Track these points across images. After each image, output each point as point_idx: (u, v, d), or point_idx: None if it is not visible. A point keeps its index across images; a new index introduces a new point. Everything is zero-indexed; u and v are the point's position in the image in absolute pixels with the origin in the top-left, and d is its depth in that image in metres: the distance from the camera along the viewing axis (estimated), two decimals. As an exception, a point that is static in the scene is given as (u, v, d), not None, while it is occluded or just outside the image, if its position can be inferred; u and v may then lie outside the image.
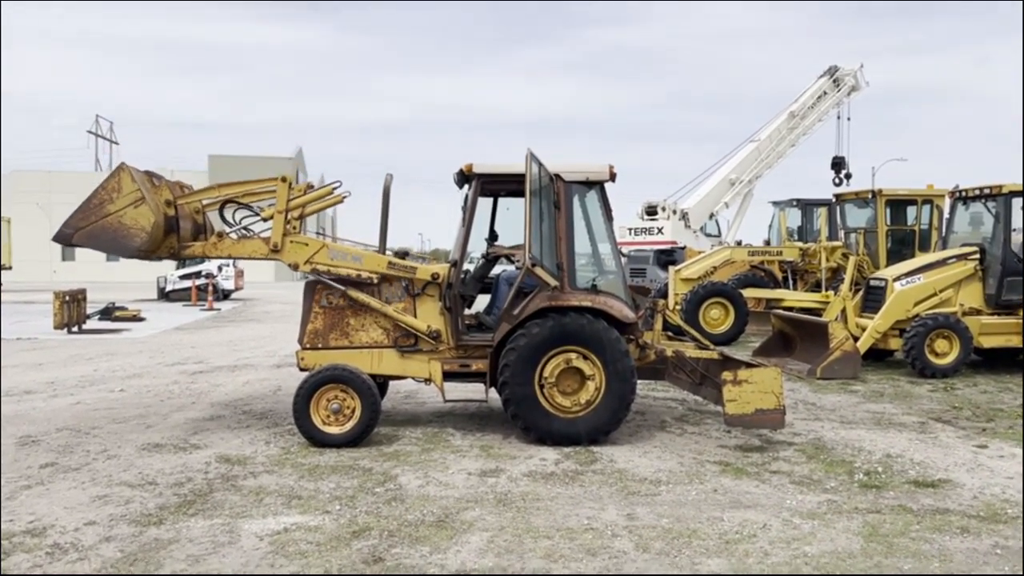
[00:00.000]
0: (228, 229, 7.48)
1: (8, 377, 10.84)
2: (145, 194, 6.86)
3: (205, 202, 7.63)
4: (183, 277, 28.98)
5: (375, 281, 7.44)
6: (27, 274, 42.84)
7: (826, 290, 15.43)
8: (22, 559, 4.51)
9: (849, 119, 26.22)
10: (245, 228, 7.52)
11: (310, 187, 7.61)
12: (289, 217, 7.33)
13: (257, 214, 7.48)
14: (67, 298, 16.65)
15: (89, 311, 18.05)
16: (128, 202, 6.81)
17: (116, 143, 66.95)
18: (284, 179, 7.34)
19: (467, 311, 8.03)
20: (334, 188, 7.59)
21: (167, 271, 32.04)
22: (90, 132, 63.93)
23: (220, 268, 29.54)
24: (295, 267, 7.38)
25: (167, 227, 7.16)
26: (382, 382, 8.01)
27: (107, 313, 19.32)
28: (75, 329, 16.84)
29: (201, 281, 27.47)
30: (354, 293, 7.38)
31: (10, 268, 36.50)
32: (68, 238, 6.89)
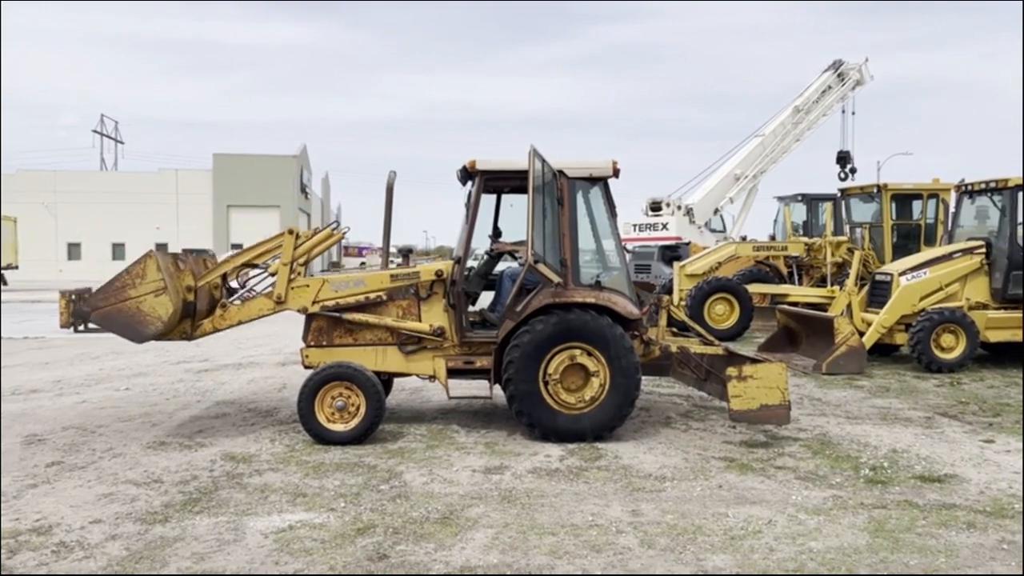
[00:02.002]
0: (230, 299, 7.60)
1: (15, 376, 10.88)
2: (168, 283, 6.91)
3: (226, 271, 7.69)
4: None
5: (384, 299, 7.47)
6: (33, 273, 42.93)
7: (831, 285, 15.39)
8: (28, 557, 4.53)
9: (854, 113, 26.10)
10: (249, 290, 7.66)
11: (316, 231, 7.73)
12: (294, 266, 7.42)
13: (264, 270, 7.61)
14: (73, 297, 16.62)
15: (95, 310, 18.08)
16: (150, 290, 6.90)
17: (121, 142, 67.10)
18: (291, 231, 7.45)
19: (471, 308, 8.03)
20: (333, 229, 7.77)
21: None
22: (95, 131, 64.13)
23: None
24: (304, 311, 7.42)
25: (184, 313, 7.23)
26: (387, 379, 8.01)
27: (113, 312, 19.32)
28: (81, 328, 16.84)
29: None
30: (352, 316, 7.40)
31: (17, 267, 36.70)
32: (86, 316, 7.03)
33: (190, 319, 7.35)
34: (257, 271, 7.71)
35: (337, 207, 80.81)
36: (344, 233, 7.89)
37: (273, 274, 7.49)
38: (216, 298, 7.73)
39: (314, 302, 7.41)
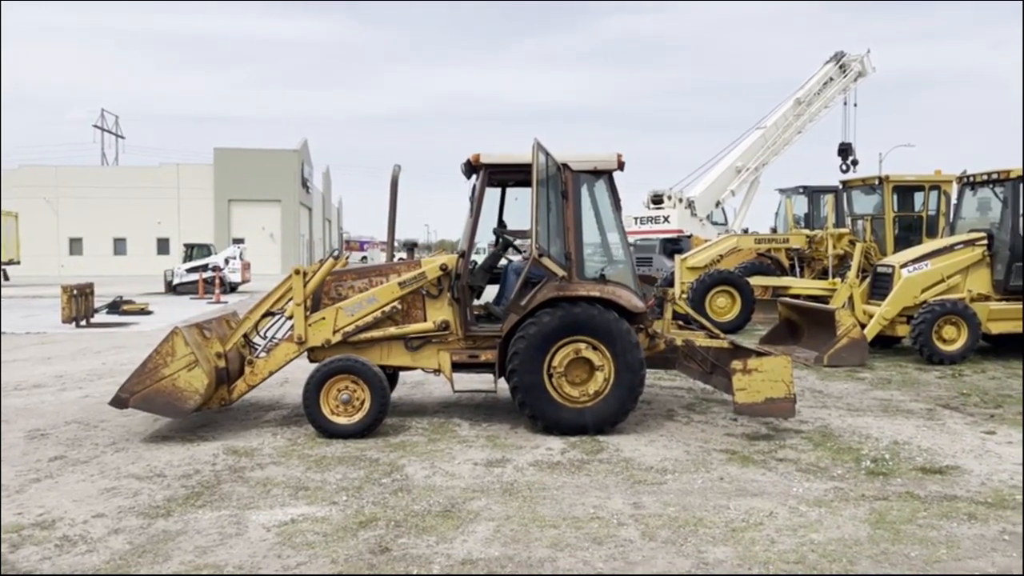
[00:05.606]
0: (252, 355, 7.57)
1: (17, 371, 10.90)
2: (198, 356, 6.93)
3: (248, 329, 7.65)
4: (190, 270, 29.01)
5: (398, 307, 7.47)
6: (35, 268, 42.97)
7: (833, 277, 15.38)
8: (32, 551, 4.54)
9: (856, 105, 26.09)
10: (271, 339, 7.65)
11: (321, 262, 7.76)
12: (307, 304, 7.42)
13: (281, 315, 7.62)
14: (75, 292, 16.69)
15: (97, 305, 18.10)
16: (182, 365, 6.92)
17: (122, 137, 67.15)
18: (298, 271, 7.47)
19: (476, 301, 8.02)
20: (335, 257, 7.85)
21: (174, 264, 32.17)
22: (96, 127, 64.14)
23: (227, 261, 29.58)
24: (328, 343, 7.40)
25: (219, 380, 7.22)
26: (392, 373, 8.01)
27: (115, 307, 19.34)
28: (83, 323, 16.88)
29: (208, 274, 27.49)
30: (367, 335, 7.40)
31: (18, 262, 36.75)
32: (124, 402, 7.00)
33: (225, 384, 7.34)
34: (274, 318, 7.67)
35: (338, 201, 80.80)
36: (347, 259, 7.96)
37: (290, 317, 7.50)
38: (245, 356, 7.70)
39: (334, 332, 7.41)
